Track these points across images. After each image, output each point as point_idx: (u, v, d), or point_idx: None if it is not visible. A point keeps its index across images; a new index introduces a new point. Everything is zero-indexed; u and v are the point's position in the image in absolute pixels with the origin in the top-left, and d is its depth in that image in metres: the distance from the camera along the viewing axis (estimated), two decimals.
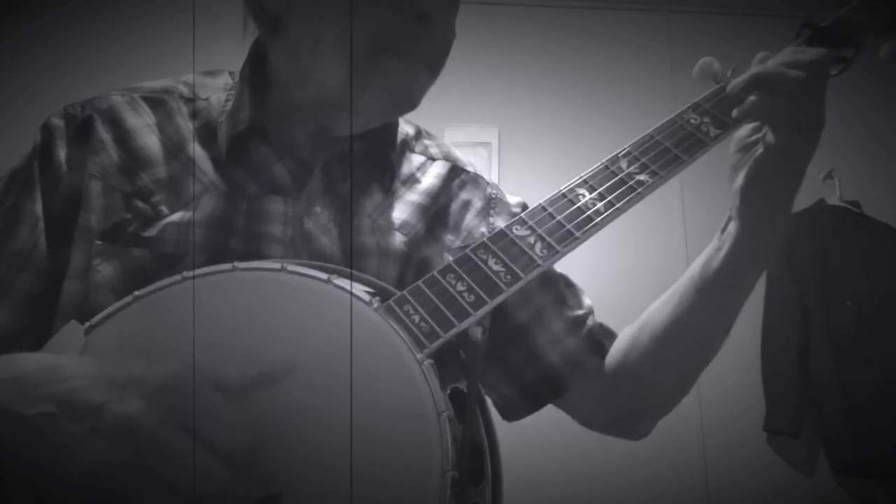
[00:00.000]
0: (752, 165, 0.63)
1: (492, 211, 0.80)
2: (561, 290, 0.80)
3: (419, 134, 0.83)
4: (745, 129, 0.66)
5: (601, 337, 0.79)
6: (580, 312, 0.79)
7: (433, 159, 0.80)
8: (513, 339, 0.77)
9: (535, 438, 1.73)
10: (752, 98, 0.61)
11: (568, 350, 0.77)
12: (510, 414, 0.79)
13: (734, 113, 0.64)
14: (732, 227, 0.66)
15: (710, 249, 0.69)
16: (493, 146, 2.41)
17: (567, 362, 0.77)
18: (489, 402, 0.70)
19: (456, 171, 0.81)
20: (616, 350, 0.77)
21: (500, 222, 0.78)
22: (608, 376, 0.77)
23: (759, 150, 0.63)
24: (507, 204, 0.82)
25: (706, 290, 0.68)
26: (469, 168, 0.82)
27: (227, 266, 0.56)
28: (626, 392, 0.76)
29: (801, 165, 0.63)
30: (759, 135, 0.65)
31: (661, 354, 0.72)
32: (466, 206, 0.79)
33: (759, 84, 0.62)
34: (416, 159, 0.79)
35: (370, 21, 0.63)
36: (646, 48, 2.56)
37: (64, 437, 0.43)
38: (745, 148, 0.66)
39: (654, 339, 0.73)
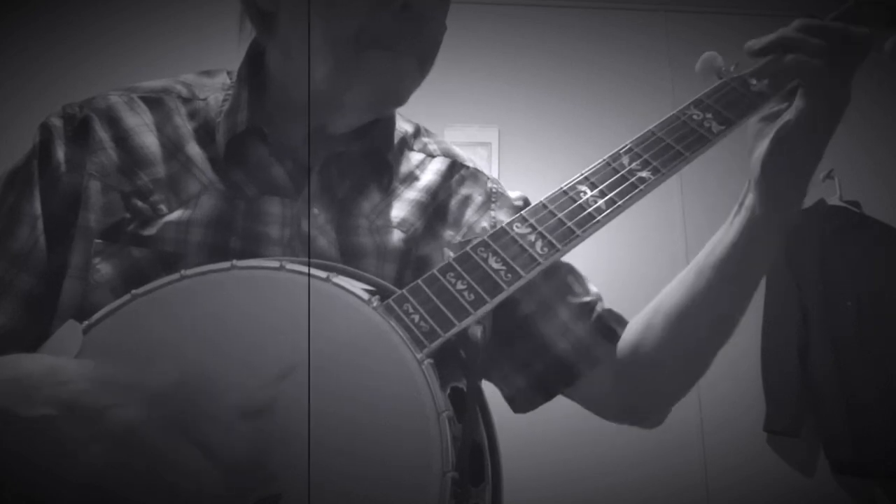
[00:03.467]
0: (778, 130, 0.63)
1: (493, 205, 0.80)
2: (566, 278, 0.79)
3: (418, 132, 0.82)
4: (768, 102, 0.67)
5: (611, 322, 0.78)
6: (588, 299, 0.79)
7: (432, 156, 0.80)
8: (520, 331, 0.76)
9: (535, 438, 1.73)
10: (789, 57, 0.62)
11: (577, 337, 0.76)
12: (523, 405, 0.78)
13: (765, 68, 0.64)
14: (749, 199, 0.66)
15: (727, 225, 0.69)
16: (493, 146, 2.41)
17: (577, 350, 0.76)
18: (488, 401, 0.70)
19: (455, 167, 0.80)
20: (630, 334, 0.76)
21: (502, 216, 0.78)
22: (621, 362, 0.76)
23: (787, 116, 0.63)
24: (508, 198, 0.82)
25: (721, 266, 0.68)
26: (468, 163, 0.82)
27: (226, 265, 0.55)
28: (641, 377, 0.75)
29: (823, 137, 0.63)
30: (784, 106, 0.64)
31: (676, 335, 0.71)
32: (466, 201, 0.78)
33: (783, 45, 0.62)
34: (414, 157, 0.79)
35: (355, 15, 0.63)
36: (645, 48, 2.57)
37: (64, 441, 0.43)
38: (770, 118, 0.66)
39: (670, 319, 0.72)
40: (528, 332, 0.76)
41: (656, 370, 0.74)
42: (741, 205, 0.68)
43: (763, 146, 0.64)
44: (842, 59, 0.61)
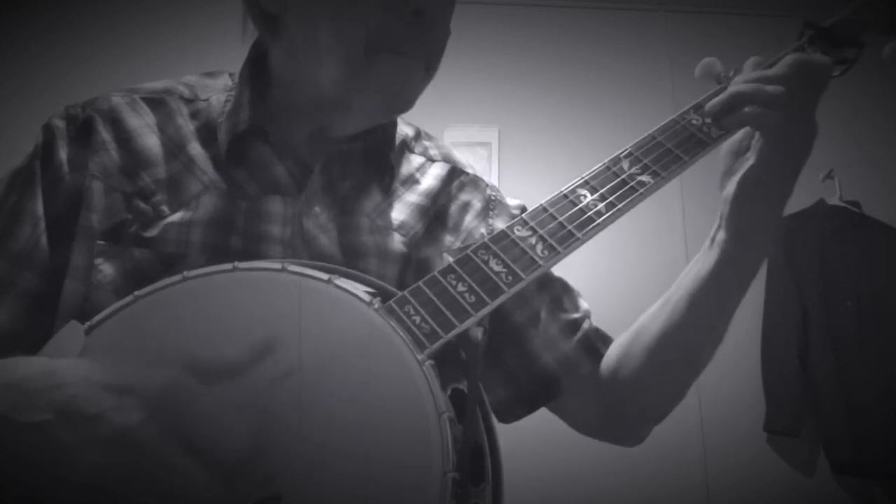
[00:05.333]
0: (745, 173, 0.63)
1: (491, 213, 0.80)
2: (558, 292, 0.80)
3: (418, 135, 0.82)
4: (737, 134, 0.66)
5: (596, 341, 0.79)
6: (576, 316, 0.79)
7: (433, 160, 0.80)
8: (509, 341, 0.77)
9: (535, 439, 1.72)
10: (746, 109, 0.61)
11: (563, 353, 0.77)
12: (505, 415, 0.79)
13: (724, 122, 0.64)
14: (721, 236, 0.66)
15: (700, 259, 0.69)
16: (493, 146, 2.41)
17: (561, 365, 0.76)
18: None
19: (455, 173, 0.81)
20: (610, 357, 0.77)
21: (500, 224, 0.78)
22: (603, 382, 0.76)
23: (751, 158, 0.63)
24: (506, 206, 0.82)
25: (696, 301, 0.68)
26: (469, 170, 0.82)
27: (228, 266, 0.56)
28: (621, 398, 0.76)
29: (792, 173, 0.63)
30: (752, 140, 0.65)
31: (653, 364, 0.72)
32: (466, 207, 0.79)
33: (738, 103, 0.62)
34: (415, 160, 0.79)
35: (367, 20, 0.63)
36: (645, 48, 2.57)
37: (62, 445, 0.43)
38: (737, 153, 0.66)
39: (647, 348, 0.72)
40: (516, 343, 0.77)
41: (634, 394, 0.75)
42: (713, 240, 0.68)
43: (733, 183, 0.64)
44: (804, 93, 0.61)
